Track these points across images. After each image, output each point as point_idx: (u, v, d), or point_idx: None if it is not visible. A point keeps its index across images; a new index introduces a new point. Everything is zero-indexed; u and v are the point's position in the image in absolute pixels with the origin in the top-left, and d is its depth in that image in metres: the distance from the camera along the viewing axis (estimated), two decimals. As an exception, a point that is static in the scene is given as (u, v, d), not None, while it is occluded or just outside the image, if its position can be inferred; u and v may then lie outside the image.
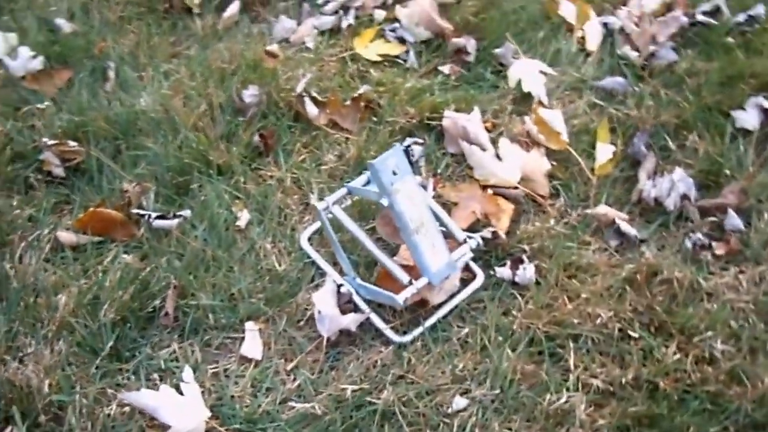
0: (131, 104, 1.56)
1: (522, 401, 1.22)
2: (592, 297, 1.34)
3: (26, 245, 1.36)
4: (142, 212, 1.41)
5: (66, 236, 1.38)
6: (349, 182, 1.36)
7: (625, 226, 1.43)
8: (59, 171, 1.45)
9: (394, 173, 1.27)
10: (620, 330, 1.31)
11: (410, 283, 1.29)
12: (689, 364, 1.24)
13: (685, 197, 1.46)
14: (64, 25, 1.76)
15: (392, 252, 1.37)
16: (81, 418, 1.18)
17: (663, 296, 1.34)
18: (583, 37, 1.71)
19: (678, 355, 1.27)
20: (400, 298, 1.28)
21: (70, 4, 1.84)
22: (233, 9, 1.78)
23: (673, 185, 1.46)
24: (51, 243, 1.37)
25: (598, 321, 1.31)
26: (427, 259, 1.29)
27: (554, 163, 1.51)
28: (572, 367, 1.26)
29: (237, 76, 1.60)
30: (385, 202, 1.27)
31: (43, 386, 1.19)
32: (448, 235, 1.35)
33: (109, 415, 1.20)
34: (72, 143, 1.47)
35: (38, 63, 1.63)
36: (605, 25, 1.72)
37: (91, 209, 1.40)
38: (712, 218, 1.45)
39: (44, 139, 1.46)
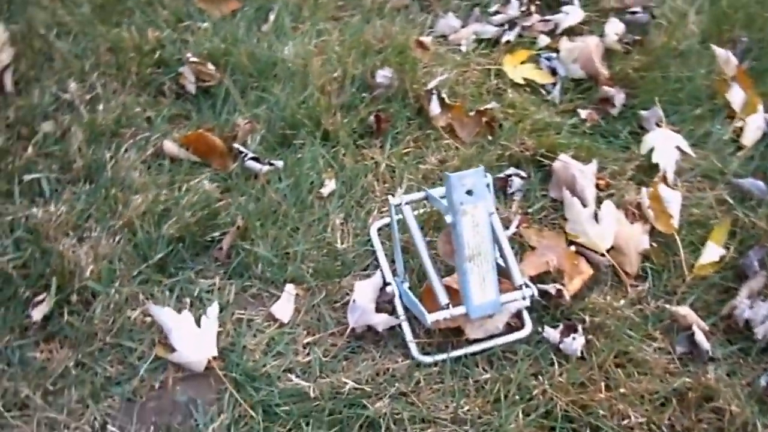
0: (276, 50, 1.50)
1: (512, 469, 1.07)
2: (631, 395, 1.13)
3: (133, 143, 1.35)
4: (241, 149, 1.35)
5: (170, 147, 1.35)
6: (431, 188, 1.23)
7: (700, 337, 1.19)
8: (191, 87, 1.43)
9: (470, 193, 1.12)
10: (647, 440, 1.11)
11: (447, 306, 1.15)
12: (704, 508, 1.03)
13: (780, 331, 1.21)
14: (250, -40, 1.74)
15: (449, 272, 1.22)
16: (105, 311, 1.16)
17: (708, 425, 1.11)
18: (741, 128, 1.45)
19: (697, 494, 1.06)
20: (430, 318, 1.14)
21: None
22: (407, -8, 1.68)
23: (772, 314, 1.21)
24: (155, 148, 1.35)
25: (626, 422, 1.10)
26: (471, 290, 1.13)
27: (654, 245, 1.29)
28: (580, 457, 1.09)
29: (380, 56, 1.50)
30: (448, 218, 1.13)
31: (86, 270, 1.17)
32: (506, 276, 1.19)
33: (130, 318, 1.16)
34: (211, 66, 1.44)
35: (214, -14, 1.63)
36: (771, 123, 1.46)
37: (200, 131, 1.37)
38: (802, 365, 1.19)
39: (189, 55, 1.44)
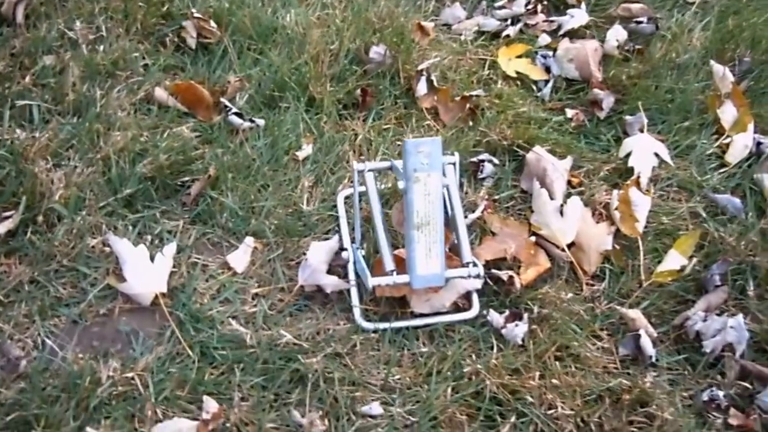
0: (279, 16, 1.49)
1: (431, 442, 1.04)
2: (563, 387, 1.08)
3: (126, 85, 1.35)
4: (227, 104, 1.34)
5: (160, 93, 1.35)
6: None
7: (646, 341, 1.13)
8: (191, 42, 1.42)
9: (424, 163, 1.09)
10: (570, 433, 1.06)
11: (391, 273, 1.11)
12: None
13: (730, 348, 1.15)
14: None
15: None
16: (67, 236, 1.16)
17: (638, 429, 1.07)
18: (728, 145, 1.38)
19: (611, 494, 1.01)
20: (372, 281, 1.11)
21: None
22: (418, -21, 1.66)
23: (724, 329, 1.14)
24: (146, 93, 1.35)
25: (552, 411, 1.06)
26: (416, 258, 1.10)
27: (617, 247, 1.24)
28: (499, 440, 1.05)
29: (379, 34, 1.48)
30: (401, 184, 1.11)
31: (56, 194, 1.18)
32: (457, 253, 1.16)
33: (90, 245, 1.16)
34: (213, 24, 1.43)
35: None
36: (759, 144, 1.38)
37: (191, 81, 1.36)
38: (748, 385, 1.13)
39: (193, 10, 1.44)
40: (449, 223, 1.17)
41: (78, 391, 1.01)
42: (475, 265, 1.12)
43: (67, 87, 1.32)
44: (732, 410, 1.10)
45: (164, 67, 1.40)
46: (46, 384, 1.03)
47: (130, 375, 1.05)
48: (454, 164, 1.19)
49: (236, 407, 1.04)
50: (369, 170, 1.17)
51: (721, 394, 1.11)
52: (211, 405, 1.04)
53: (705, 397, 1.12)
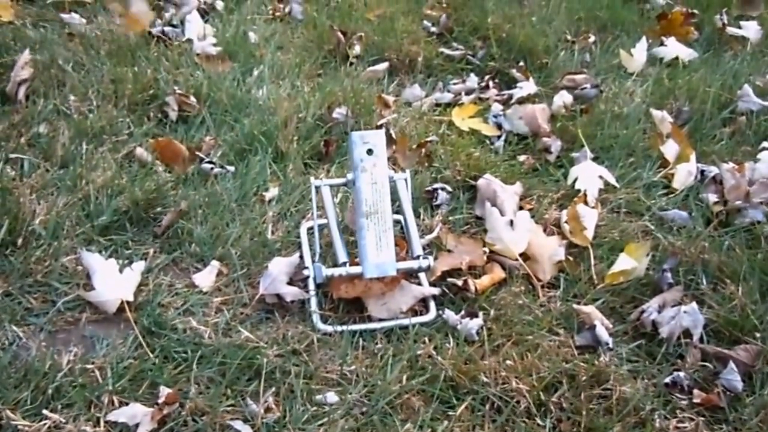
0: (253, 93, 1.73)
1: (384, 424, 1.07)
2: (519, 368, 1.14)
3: (111, 146, 1.56)
4: (201, 155, 1.54)
5: (141, 152, 1.54)
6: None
7: (601, 330, 1.20)
8: (173, 115, 1.65)
9: (370, 152, 1.24)
10: (527, 410, 1.09)
11: (345, 264, 1.22)
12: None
13: (687, 333, 1.20)
14: (252, 36, 2.03)
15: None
16: (44, 255, 1.29)
17: (597, 406, 1.10)
18: (673, 175, 1.52)
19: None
20: (326, 272, 1.21)
21: (264, 29, 2.12)
22: (380, 67, 1.91)
23: (678, 314, 1.20)
24: (128, 152, 1.54)
25: (507, 386, 1.11)
26: (367, 246, 1.22)
27: (570, 258, 1.34)
28: (456, 418, 1.07)
29: (344, 103, 1.70)
30: (350, 176, 1.25)
31: (37, 219, 1.33)
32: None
33: (63, 264, 1.29)
34: (193, 99, 1.67)
35: (214, 50, 1.90)
36: (702, 172, 1.52)
37: (170, 139, 1.57)
38: (708, 364, 1.16)
39: (175, 87, 1.69)
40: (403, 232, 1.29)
41: (37, 376, 1.09)
42: (425, 257, 1.23)
43: (57, 146, 1.52)
44: (696, 391, 1.14)
45: (146, 133, 1.61)
46: (9, 374, 1.10)
47: (89, 366, 1.12)
48: (405, 180, 1.34)
49: (192, 398, 1.10)
50: (325, 185, 1.32)
51: (682, 375, 1.16)
52: (165, 391, 1.10)
53: (667, 380, 1.16)
